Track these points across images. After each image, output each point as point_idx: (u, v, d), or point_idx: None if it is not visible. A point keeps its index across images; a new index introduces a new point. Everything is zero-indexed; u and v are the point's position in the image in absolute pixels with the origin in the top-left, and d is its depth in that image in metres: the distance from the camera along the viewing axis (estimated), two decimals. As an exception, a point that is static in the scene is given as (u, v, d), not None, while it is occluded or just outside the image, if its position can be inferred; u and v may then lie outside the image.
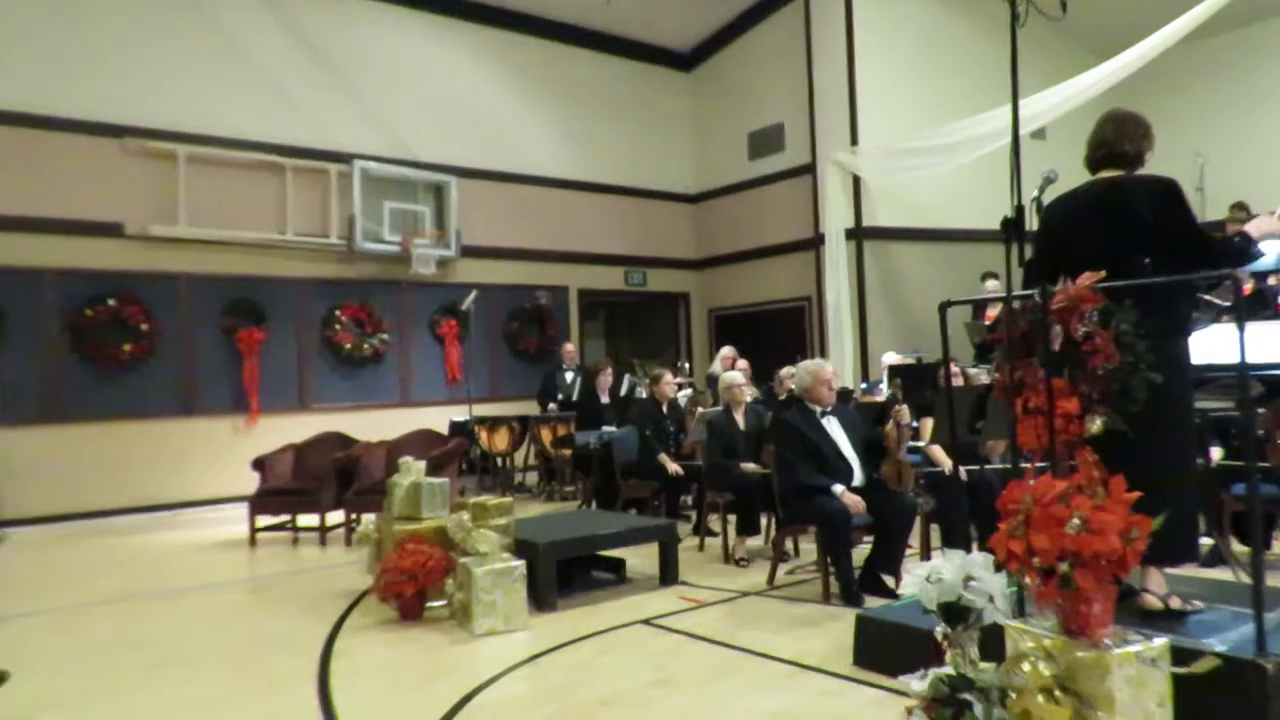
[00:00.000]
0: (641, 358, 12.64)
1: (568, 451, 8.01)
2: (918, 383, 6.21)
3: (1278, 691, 2.46)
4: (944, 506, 4.73)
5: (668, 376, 6.87)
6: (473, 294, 9.21)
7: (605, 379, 7.88)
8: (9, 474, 7.45)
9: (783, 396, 6.32)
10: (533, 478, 9.34)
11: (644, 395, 7.41)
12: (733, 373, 6.38)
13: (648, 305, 12.60)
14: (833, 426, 4.59)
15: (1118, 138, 3.16)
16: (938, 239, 9.61)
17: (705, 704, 3.05)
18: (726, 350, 8.96)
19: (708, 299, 12.05)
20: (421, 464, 4.76)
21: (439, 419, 8.89)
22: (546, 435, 8.47)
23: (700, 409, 6.77)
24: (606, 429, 7.22)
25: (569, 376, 9.04)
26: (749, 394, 6.39)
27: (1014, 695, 2.15)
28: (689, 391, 8.32)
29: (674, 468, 6.23)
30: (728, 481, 5.45)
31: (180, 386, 8.34)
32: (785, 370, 7.05)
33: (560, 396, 8.82)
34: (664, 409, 6.75)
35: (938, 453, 5.04)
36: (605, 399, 7.84)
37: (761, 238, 11.02)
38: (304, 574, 5.42)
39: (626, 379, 8.85)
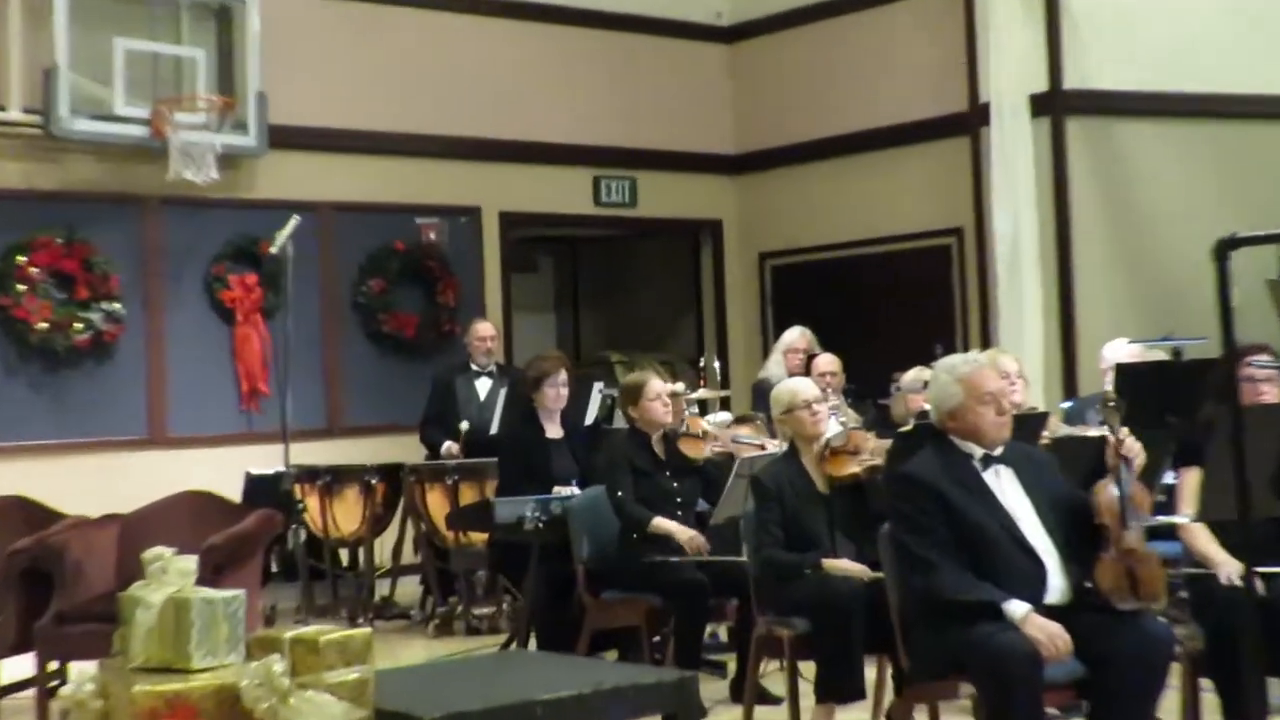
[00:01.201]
0: (627, 351, 12.66)
1: (481, 536, 8.02)
2: (1172, 398, 6.24)
3: None
4: (1221, 642, 4.75)
5: (654, 385, 6.84)
6: (292, 222, 9.16)
7: (555, 393, 7.84)
8: None
9: (907, 427, 6.34)
10: (411, 588, 9.39)
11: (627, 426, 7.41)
12: (798, 381, 6.37)
13: (638, 247, 12.60)
14: (1006, 487, 4.61)
15: None
16: (1210, 115, 9.67)
17: None
18: (794, 335, 8.96)
19: (757, 234, 12.12)
20: (191, 561, 4.75)
21: (225, 471, 8.88)
22: (438, 503, 8.49)
23: (742, 447, 6.76)
24: (560, 490, 7.23)
25: (484, 387, 9.07)
26: (835, 420, 6.38)
27: None
28: (722, 416, 8.31)
29: (696, 542, 6.30)
30: (797, 596, 5.48)
31: None
32: (911, 375, 7.06)
33: (466, 426, 8.83)
34: (656, 448, 6.78)
35: (1207, 541, 5.05)
36: (555, 431, 7.83)
37: (864, 114, 11.08)
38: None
39: (597, 391, 8.82)
